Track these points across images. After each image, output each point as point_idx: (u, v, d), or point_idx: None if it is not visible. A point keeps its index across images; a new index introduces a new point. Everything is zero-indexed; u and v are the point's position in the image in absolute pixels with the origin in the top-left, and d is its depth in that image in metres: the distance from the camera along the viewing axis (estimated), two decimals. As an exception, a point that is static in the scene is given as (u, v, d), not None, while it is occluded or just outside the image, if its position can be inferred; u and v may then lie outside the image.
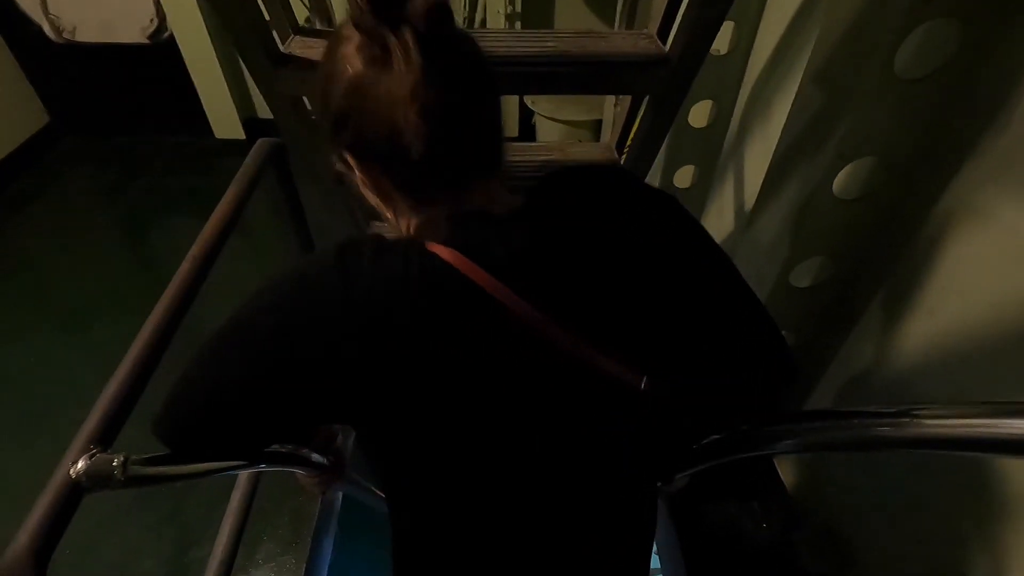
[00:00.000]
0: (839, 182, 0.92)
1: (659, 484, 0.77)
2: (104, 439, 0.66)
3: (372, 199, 0.59)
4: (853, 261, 1.01)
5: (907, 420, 0.44)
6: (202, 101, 3.02)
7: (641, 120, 1.14)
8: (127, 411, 0.70)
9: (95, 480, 0.61)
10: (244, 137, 3.10)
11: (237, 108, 3.04)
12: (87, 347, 2.09)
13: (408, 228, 0.57)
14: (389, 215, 0.59)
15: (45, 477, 0.59)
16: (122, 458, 0.64)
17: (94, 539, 1.42)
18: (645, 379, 0.54)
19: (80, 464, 0.61)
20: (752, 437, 0.63)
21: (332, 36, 0.52)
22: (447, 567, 0.63)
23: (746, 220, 1.46)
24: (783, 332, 1.15)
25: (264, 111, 3.18)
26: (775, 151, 1.02)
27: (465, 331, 0.51)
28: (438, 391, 0.52)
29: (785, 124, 1.00)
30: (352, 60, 0.48)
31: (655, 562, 2.02)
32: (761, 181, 1.34)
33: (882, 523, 1.02)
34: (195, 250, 0.89)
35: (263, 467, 0.82)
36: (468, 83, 0.51)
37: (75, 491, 0.60)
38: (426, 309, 0.50)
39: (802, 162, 0.98)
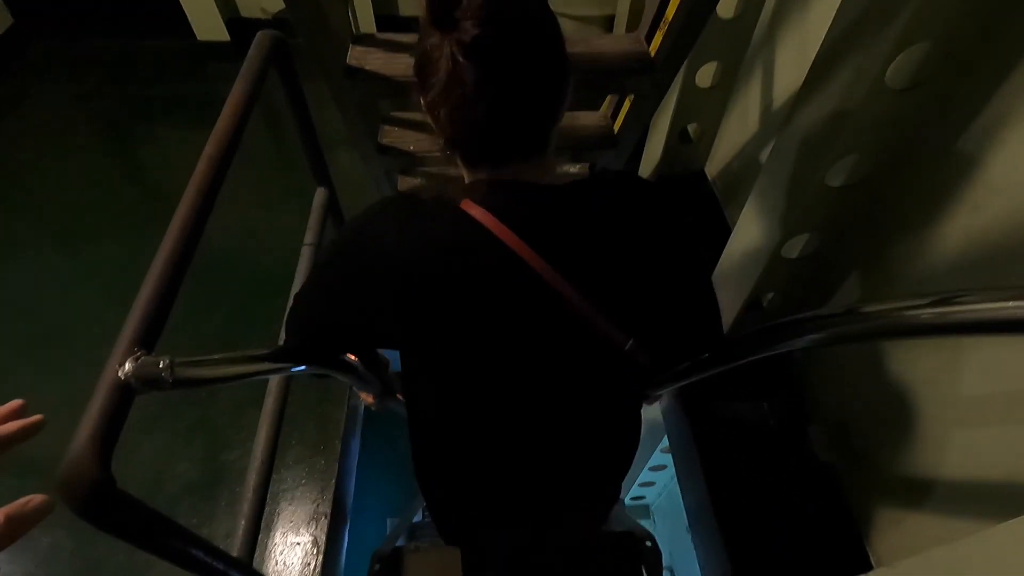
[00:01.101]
0: (893, 71, 0.86)
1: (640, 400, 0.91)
2: (147, 342, 0.65)
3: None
4: (893, 157, 0.98)
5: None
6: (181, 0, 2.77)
7: (678, 9, 1.05)
8: (165, 313, 0.69)
9: (144, 381, 0.61)
10: (228, 39, 2.88)
11: (219, 7, 2.80)
12: (87, 264, 2.05)
13: (462, 176, 0.69)
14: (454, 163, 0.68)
15: (68, 393, 0.59)
16: (168, 360, 0.64)
17: (129, 444, 1.46)
18: (630, 342, 0.67)
19: (128, 366, 0.61)
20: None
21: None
22: (458, 464, 0.80)
23: (778, 119, 1.41)
24: (815, 235, 1.13)
25: (248, 10, 2.93)
26: (824, 42, 0.95)
27: (488, 277, 0.62)
28: (463, 325, 0.64)
29: (837, 13, 0.93)
30: (425, 33, 0.56)
31: (668, 460, 2.17)
32: (796, 77, 1.28)
33: (894, 423, 1.06)
34: (210, 149, 0.84)
35: (302, 370, 0.83)
36: (499, 74, 0.55)
37: (126, 392, 0.60)
38: (455, 259, 0.61)
39: (852, 53, 0.91)
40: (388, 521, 1.89)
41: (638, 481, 2.39)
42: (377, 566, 1.25)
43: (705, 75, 1.61)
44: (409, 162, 1.42)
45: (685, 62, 1.49)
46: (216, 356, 0.72)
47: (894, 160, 0.98)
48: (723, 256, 1.33)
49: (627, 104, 1.36)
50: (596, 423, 0.78)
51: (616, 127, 1.49)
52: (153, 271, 0.70)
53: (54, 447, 0.52)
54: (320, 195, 1.41)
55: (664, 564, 2.36)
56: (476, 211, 0.61)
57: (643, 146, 1.92)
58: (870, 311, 0.67)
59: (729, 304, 1.32)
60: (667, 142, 1.73)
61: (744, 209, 1.24)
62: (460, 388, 0.71)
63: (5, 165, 2.44)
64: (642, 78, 1.15)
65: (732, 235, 1.30)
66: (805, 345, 0.78)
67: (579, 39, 1.38)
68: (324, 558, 1.18)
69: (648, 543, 1.29)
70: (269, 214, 2.12)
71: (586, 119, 1.47)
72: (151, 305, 0.67)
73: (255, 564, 1.25)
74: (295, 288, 1.22)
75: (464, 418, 0.74)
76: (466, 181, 0.68)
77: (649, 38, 1.29)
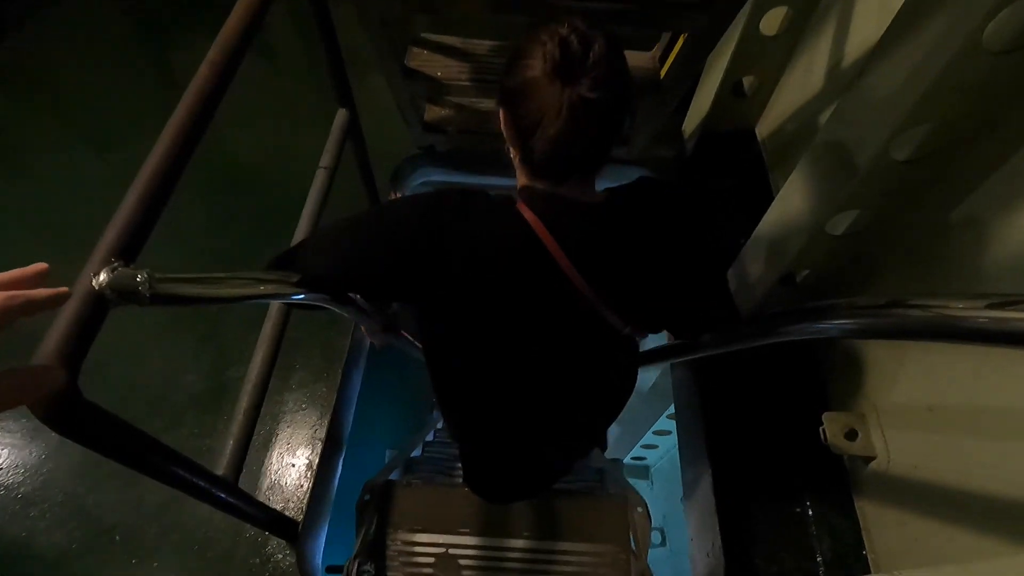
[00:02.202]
0: (993, 29, 0.73)
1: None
2: (126, 253, 0.62)
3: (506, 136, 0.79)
4: (974, 131, 0.86)
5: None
6: None
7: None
8: (149, 225, 0.65)
9: (120, 293, 0.58)
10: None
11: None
12: (117, 166, 2.05)
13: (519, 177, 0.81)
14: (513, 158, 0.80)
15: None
16: (147, 274, 0.60)
17: (138, 353, 1.50)
18: (628, 328, 0.85)
19: (103, 276, 0.57)
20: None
21: (532, 36, 0.69)
22: (473, 401, 1.00)
23: (846, 78, 1.26)
24: (867, 212, 1.03)
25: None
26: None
27: (527, 268, 0.78)
28: (498, 300, 0.81)
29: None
30: (535, 66, 0.68)
31: (672, 427, 2.16)
32: (874, 31, 1.13)
33: (916, 423, 0.99)
34: (213, 54, 0.78)
35: (298, 299, 0.80)
36: (598, 124, 0.70)
37: (100, 303, 0.57)
38: (505, 249, 0.77)
39: (946, 4, 0.78)
40: (387, 452, 1.93)
41: (641, 443, 2.38)
42: (367, 496, 1.27)
43: (772, 21, 1.45)
44: (436, 89, 1.34)
45: (750, 3, 1.34)
46: (203, 275, 0.68)
47: (975, 135, 0.86)
48: (761, 223, 1.23)
49: (678, 45, 1.23)
50: (587, 381, 0.97)
51: (663, 72, 1.36)
52: (140, 178, 0.66)
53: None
54: (341, 116, 1.34)
55: (655, 525, 2.39)
56: (529, 215, 0.76)
57: (691, 98, 1.77)
58: (914, 307, 0.60)
59: (761, 276, 1.23)
60: (718, 94, 1.59)
61: (792, 175, 1.13)
62: (483, 344, 0.88)
63: (36, 64, 2.41)
64: (700, 13, 1.03)
65: (775, 202, 1.20)
66: (834, 335, 0.70)
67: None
68: (315, 481, 1.19)
69: (640, 508, 1.28)
70: (297, 131, 2.06)
71: (633, 60, 1.35)
72: (134, 214, 0.63)
73: (249, 482, 1.29)
74: (307, 211, 1.18)
75: (481, 367, 0.93)
76: (522, 182, 0.81)
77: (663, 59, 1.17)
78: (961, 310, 0.57)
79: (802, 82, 1.48)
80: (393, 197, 1.69)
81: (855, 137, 0.92)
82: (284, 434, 1.34)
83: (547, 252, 0.76)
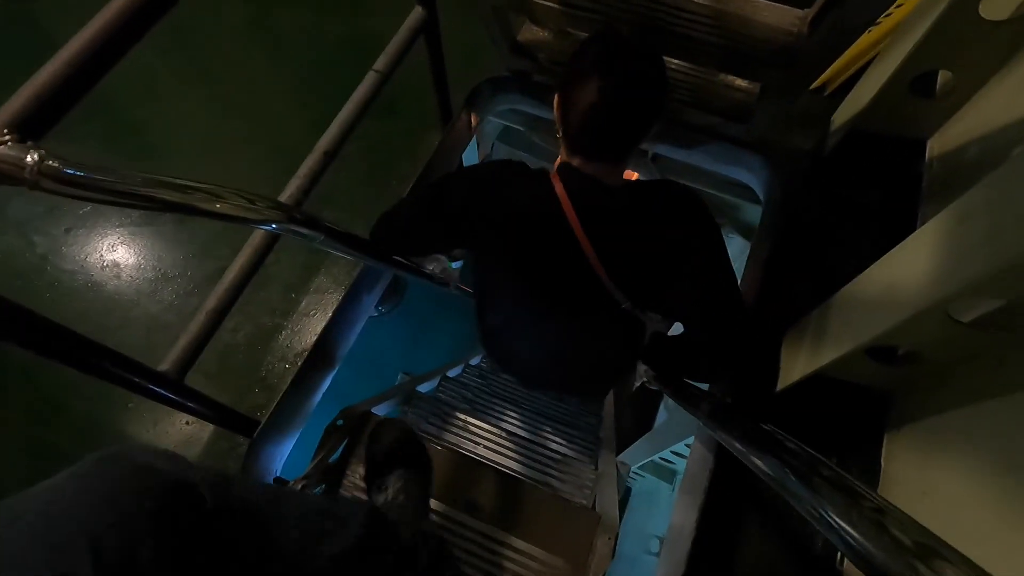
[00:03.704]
0: None
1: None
2: (28, 127, 0.55)
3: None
4: None
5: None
6: None
7: None
8: (67, 102, 0.57)
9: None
10: None
11: None
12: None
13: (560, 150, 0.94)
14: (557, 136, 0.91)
15: None
16: (39, 155, 0.53)
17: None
18: (628, 303, 0.99)
19: (-17, 148, 0.51)
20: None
21: (592, 38, 0.86)
22: (503, 331, 1.27)
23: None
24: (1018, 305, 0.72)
25: None
26: None
27: (548, 226, 0.92)
28: (518, 252, 0.99)
29: None
30: (586, 62, 0.82)
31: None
32: None
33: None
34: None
35: (269, 228, 0.71)
36: (624, 115, 0.83)
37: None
38: (534, 209, 0.92)
39: None
40: (400, 375, 1.93)
41: (671, 448, 2.19)
42: (340, 421, 1.24)
43: (1002, 0, 1.03)
44: (521, 5, 1.13)
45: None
46: (118, 172, 0.60)
47: None
48: (868, 271, 0.94)
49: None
50: (588, 334, 1.17)
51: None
52: (66, 49, 0.57)
53: None
54: (415, 16, 1.18)
55: (659, 534, 2.24)
56: (558, 187, 0.90)
57: (850, 87, 1.38)
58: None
59: (839, 335, 0.96)
60: (888, 86, 1.20)
61: (934, 219, 0.82)
62: (512, 285, 1.10)
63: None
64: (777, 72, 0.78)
65: (896, 249, 0.90)
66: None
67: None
68: (289, 388, 1.18)
69: (608, 537, 1.14)
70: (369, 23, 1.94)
71: (776, 17, 1.03)
72: (47, 86, 0.55)
73: (235, 374, 1.31)
74: (341, 117, 1.08)
75: (511, 302, 1.17)
76: (561, 158, 0.93)
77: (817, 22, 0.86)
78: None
79: (1017, 95, 1.07)
80: (468, 119, 1.53)
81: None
82: (285, 334, 1.34)
83: (566, 218, 0.89)
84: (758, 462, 0.46)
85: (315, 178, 1.04)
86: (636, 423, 2.65)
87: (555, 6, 1.07)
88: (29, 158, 0.52)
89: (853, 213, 1.40)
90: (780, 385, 1.10)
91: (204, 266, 1.47)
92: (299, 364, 1.23)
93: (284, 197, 1.01)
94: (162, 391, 0.85)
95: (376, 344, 2.75)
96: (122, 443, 0.49)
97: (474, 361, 2.43)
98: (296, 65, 1.91)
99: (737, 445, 0.51)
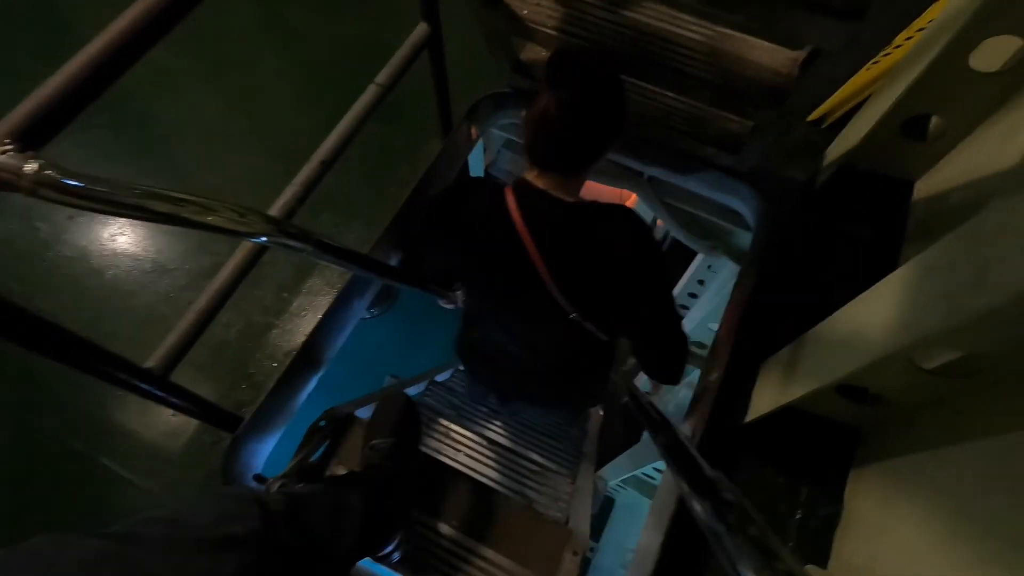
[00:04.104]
0: None
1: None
2: (29, 138, 0.58)
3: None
4: None
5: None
6: None
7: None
8: (67, 116, 0.60)
9: (-2, 180, 0.54)
10: None
11: None
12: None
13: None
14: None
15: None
16: (39, 164, 0.56)
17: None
18: (574, 315, 1.02)
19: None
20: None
21: (547, 64, 0.91)
22: (477, 338, 1.38)
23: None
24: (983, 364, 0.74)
25: None
26: None
27: (503, 242, 0.96)
28: (480, 264, 1.06)
29: None
30: (542, 77, 0.89)
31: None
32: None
33: None
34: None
35: (261, 241, 0.74)
36: (570, 127, 0.88)
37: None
38: (489, 223, 0.98)
39: None
40: (387, 379, 1.95)
41: (653, 465, 2.22)
42: (323, 422, 1.27)
43: (991, 53, 1.05)
44: (519, 28, 1.15)
45: (958, 23, 0.98)
46: (119, 184, 0.63)
47: None
48: (838, 313, 0.96)
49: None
50: (546, 341, 1.22)
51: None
52: (75, 60, 0.60)
53: None
54: (419, 32, 1.21)
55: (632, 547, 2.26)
56: (511, 200, 0.95)
57: (843, 124, 1.41)
58: None
59: (809, 372, 0.98)
60: (879, 127, 1.23)
61: (905, 266, 0.84)
62: (483, 303, 1.23)
63: None
64: (767, 112, 0.81)
65: (868, 292, 0.92)
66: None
67: (738, 38, 0.97)
68: (274, 386, 1.21)
69: (574, 553, 1.16)
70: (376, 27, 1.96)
71: (769, 57, 1.06)
72: (50, 100, 0.58)
73: (223, 371, 1.33)
74: (339, 129, 1.11)
75: (483, 318, 1.30)
76: (523, 174, 0.98)
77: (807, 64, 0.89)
78: None
79: (1000, 145, 1.09)
80: (467, 131, 1.56)
81: (1004, 251, 0.63)
82: (275, 332, 1.36)
83: (517, 230, 0.94)
84: (696, 506, 0.48)
85: (310, 187, 1.06)
86: (626, 436, 2.67)
87: (553, 33, 1.10)
88: (27, 168, 0.55)
89: (841, 248, 1.42)
90: (753, 414, 1.13)
91: (201, 261, 1.50)
92: (287, 364, 1.26)
93: (279, 205, 1.04)
94: (147, 387, 0.88)
95: (368, 345, 2.78)
96: None
97: (462, 367, 2.46)
98: (304, 62, 1.95)
99: (684, 485, 0.54)
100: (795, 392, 1.00)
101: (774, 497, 1.09)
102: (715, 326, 2.52)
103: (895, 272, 0.84)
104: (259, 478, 1.15)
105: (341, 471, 1.24)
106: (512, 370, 1.37)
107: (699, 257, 2.71)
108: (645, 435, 2.38)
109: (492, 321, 1.25)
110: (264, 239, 0.76)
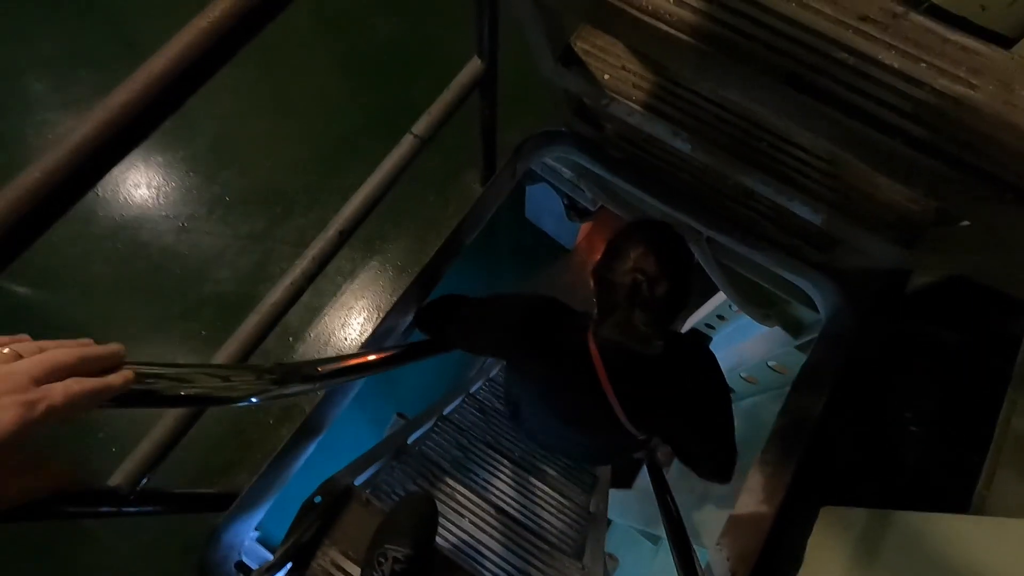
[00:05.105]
0: None
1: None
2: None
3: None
4: None
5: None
6: None
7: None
8: (26, 238, 0.44)
9: None
10: None
11: None
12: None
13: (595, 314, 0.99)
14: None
15: None
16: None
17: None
18: (640, 435, 1.11)
19: None
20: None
21: (625, 249, 0.90)
22: (528, 419, 1.39)
23: None
24: None
25: None
26: None
27: (582, 380, 1.01)
28: (550, 385, 1.13)
29: None
30: (618, 281, 0.89)
31: None
32: None
33: None
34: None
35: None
36: (660, 307, 0.88)
37: None
38: (570, 362, 1.02)
39: None
40: (394, 419, 1.82)
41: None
42: (318, 498, 1.15)
43: None
44: (592, 93, 0.94)
45: None
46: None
47: None
48: (956, 521, 0.79)
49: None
50: (593, 441, 1.30)
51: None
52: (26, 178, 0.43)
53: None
54: (472, 67, 1.01)
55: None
56: (593, 349, 0.99)
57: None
58: None
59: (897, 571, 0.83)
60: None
61: None
62: (538, 402, 1.23)
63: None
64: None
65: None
66: None
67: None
68: (270, 464, 1.08)
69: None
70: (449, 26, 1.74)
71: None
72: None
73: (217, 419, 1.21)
74: (373, 179, 0.94)
75: (535, 408, 1.28)
76: (595, 316, 0.99)
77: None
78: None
79: None
80: (513, 170, 1.37)
81: None
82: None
83: (598, 375, 0.98)
84: None
85: (325, 262, 0.90)
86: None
87: (637, 108, 0.89)
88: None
89: (926, 356, 1.24)
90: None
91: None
92: (283, 430, 1.13)
93: (289, 281, 0.88)
94: (113, 508, 0.75)
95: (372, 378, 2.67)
96: None
97: (473, 389, 2.32)
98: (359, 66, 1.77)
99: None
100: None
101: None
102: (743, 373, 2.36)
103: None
104: (242, 567, 1.04)
105: (332, 553, 1.12)
106: (553, 445, 1.59)
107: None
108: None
109: (545, 415, 1.26)
110: (255, 399, 0.61)
